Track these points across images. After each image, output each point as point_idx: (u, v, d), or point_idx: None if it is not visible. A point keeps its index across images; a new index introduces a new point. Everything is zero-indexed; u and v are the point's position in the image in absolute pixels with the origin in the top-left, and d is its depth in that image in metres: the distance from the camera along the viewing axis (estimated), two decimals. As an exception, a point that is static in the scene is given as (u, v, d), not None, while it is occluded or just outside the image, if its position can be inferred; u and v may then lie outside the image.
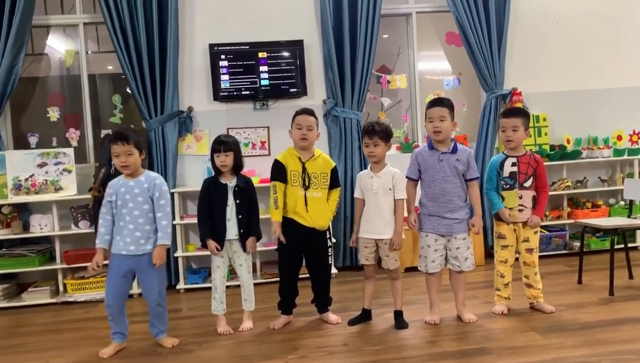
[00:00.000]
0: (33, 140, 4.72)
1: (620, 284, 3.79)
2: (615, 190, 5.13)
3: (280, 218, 3.32)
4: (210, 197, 3.32)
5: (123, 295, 3.12)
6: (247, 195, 3.36)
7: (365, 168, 3.43)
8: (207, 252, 3.39)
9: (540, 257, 3.54)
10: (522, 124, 3.32)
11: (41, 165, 4.37)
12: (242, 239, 3.34)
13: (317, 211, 3.34)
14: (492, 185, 3.42)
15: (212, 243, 3.29)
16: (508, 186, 3.36)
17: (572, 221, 4.81)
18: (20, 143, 4.77)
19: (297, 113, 3.39)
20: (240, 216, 3.31)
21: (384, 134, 3.24)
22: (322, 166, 3.39)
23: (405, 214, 3.30)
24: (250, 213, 3.37)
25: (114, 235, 3.09)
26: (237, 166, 3.35)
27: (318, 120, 3.44)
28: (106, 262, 3.14)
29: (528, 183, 3.35)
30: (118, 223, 3.08)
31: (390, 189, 3.24)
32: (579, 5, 5.19)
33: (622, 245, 4.12)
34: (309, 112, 3.39)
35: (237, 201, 3.32)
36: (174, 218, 4.49)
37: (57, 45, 5.06)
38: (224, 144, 3.30)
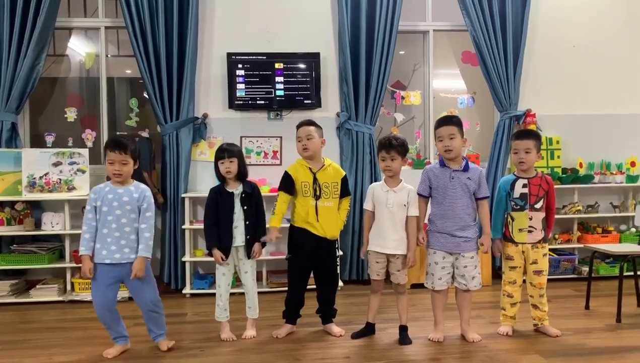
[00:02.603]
0: (49, 139, 4.80)
1: (628, 311, 3.75)
2: (626, 216, 5.09)
3: (275, 223, 3.33)
4: (217, 205, 3.34)
5: (112, 303, 3.05)
6: (254, 201, 3.39)
7: (376, 181, 3.44)
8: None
9: (548, 281, 3.51)
10: (534, 146, 3.32)
11: (56, 164, 4.43)
12: (248, 246, 3.36)
13: (328, 220, 3.36)
14: (501, 205, 3.42)
15: (217, 253, 3.30)
16: (518, 207, 3.35)
17: (582, 245, 4.77)
18: (37, 141, 4.85)
19: (297, 126, 3.43)
20: (247, 222, 3.33)
21: (401, 149, 3.25)
22: (333, 175, 3.42)
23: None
24: (258, 219, 3.39)
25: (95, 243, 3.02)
26: (242, 173, 3.37)
27: (320, 128, 3.45)
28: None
29: (539, 205, 3.34)
30: (101, 231, 3.01)
31: (405, 205, 3.24)
32: (596, 29, 5.19)
33: (632, 272, 4.08)
34: (307, 122, 3.43)
35: (245, 207, 3.34)
36: (184, 223, 4.54)
37: (78, 47, 5.15)
38: (227, 151, 3.32)
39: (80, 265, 4.25)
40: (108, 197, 3.03)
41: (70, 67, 5.20)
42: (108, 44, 4.98)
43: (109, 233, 3.00)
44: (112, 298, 3.05)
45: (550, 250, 4.51)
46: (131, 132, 4.93)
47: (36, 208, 4.57)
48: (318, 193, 3.35)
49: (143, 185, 3.17)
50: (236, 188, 3.36)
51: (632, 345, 3.19)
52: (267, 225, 3.39)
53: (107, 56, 4.95)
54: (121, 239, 3.01)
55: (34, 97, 4.78)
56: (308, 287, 3.46)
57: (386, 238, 3.25)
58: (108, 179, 3.15)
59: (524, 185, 3.35)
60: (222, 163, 3.31)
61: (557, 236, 4.94)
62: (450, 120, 3.27)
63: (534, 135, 3.41)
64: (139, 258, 3.02)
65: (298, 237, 3.38)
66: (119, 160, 3.01)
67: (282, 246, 3.50)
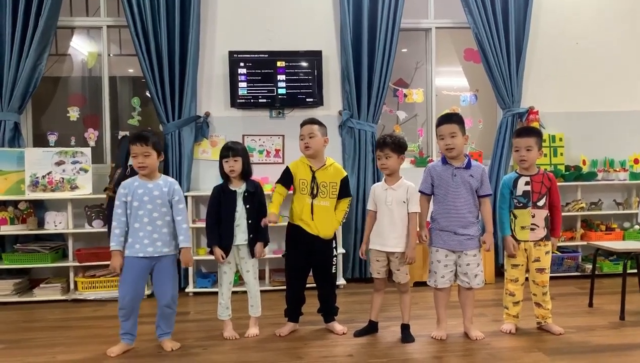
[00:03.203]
0: (52, 138, 4.81)
1: (631, 309, 3.73)
2: (630, 213, 5.07)
3: (273, 209, 3.32)
4: (220, 203, 3.34)
5: (139, 297, 3.13)
6: (257, 199, 3.39)
7: (379, 180, 3.44)
8: (216, 257, 3.41)
9: (552, 278, 3.52)
10: (535, 143, 3.32)
11: (59, 163, 4.44)
12: (251, 245, 3.36)
13: (323, 220, 3.36)
14: (505, 203, 3.41)
15: (218, 251, 3.31)
16: (521, 204, 3.35)
17: (585, 243, 4.75)
18: (40, 141, 4.86)
19: (301, 125, 3.44)
20: (250, 221, 3.34)
21: (395, 146, 3.24)
22: (333, 175, 3.41)
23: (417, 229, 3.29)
24: (260, 218, 3.39)
25: (127, 237, 3.10)
26: (246, 172, 3.38)
27: (324, 126, 3.45)
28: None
29: (541, 203, 3.33)
30: (132, 225, 3.08)
31: (404, 202, 3.24)
32: (599, 27, 5.18)
33: (635, 270, 4.07)
34: (310, 121, 3.43)
35: (247, 206, 3.34)
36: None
37: (80, 47, 5.16)
38: (232, 149, 3.33)
39: (82, 264, 4.35)
40: (138, 191, 3.07)
41: (72, 66, 5.21)
42: (110, 43, 4.99)
43: (140, 228, 3.06)
44: (141, 290, 3.15)
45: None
46: (133, 131, 4.93)
47: (39, 207, 4.58)
48: (315, 192, 3.35)
49: (171, 179, 3.22)
50: (239, 187, 3.36)
51: (635, 343, 3.18)
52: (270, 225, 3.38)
53: (109, 55, 4.95)
54: (154, 233, 3.07)
55: (37, 97, 4.79)
56: (309, 285, 3.46)
57: (385, 237, 3.25)
58: (132, 173, 3.16)
59: (527, 183, 3.34)
60: (227, 161, 3.31)
61: (560, 233, 4.92)
62: (451, 118, 3.27)
63: (535, 133, 3.40)
64: (185, 250, 3.13)
65: (293, 234, 3.40)
66: (141, 152, 3.05)
67: (284, 244, 3.49)
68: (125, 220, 3.08)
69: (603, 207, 5.08)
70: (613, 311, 3.72)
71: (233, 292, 3.46)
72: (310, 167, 3.38)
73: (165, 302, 3.15)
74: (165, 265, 3.12)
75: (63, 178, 4.44)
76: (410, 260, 3.23)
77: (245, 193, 3.35)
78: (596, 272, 4.05)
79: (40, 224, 4.51)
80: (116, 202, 3.10)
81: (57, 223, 4.42)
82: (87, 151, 4.52)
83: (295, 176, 3.38)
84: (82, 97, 5.17)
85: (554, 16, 5.12)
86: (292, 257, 3.40)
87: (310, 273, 3.48)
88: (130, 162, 4.21)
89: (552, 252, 3.47)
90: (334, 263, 3.48)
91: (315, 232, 3.34)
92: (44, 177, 4.41)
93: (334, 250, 3.48)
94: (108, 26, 4.90)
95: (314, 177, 3.36)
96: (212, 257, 3.40)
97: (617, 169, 5.01)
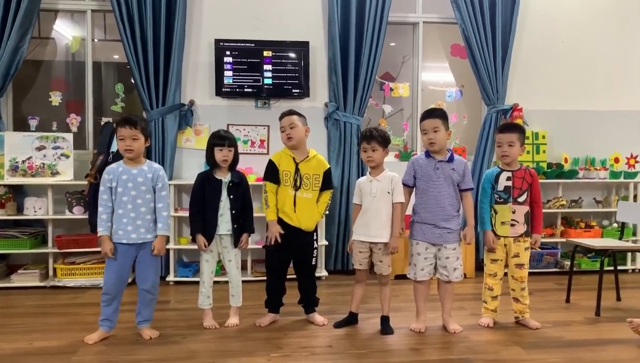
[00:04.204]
0: (33, 123, 4.73)
1: (607, 305, 3.80)
2: (609, 212, 5.15)
3: (274, 217, 3.34)
4: (204, 191, 3.33)
5: (124, 283, 3.13)
6: (242, 191, 3.38)
7: (363, 173, 3.46)
8: (198, 246, 3.40)
9: (531, 274, 3.56)
10: (517, 139, 3.34)
11: (39, 149, 4.38)
12: (235, 235, 3.35)
13: (305, 212, 3.35)
14: (486, 198, 3.43)
15: (201, 239, 3.29)
16: (502, 200, 3.38)
17: (565, 240, 4.82)
18: (20, 125, 4.77)
19: (279, 118, 3.43)
20: (233, 211, 3.32)
21: (382, 140, 3.26)
22: (315, 167, 3.41)
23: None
24: (244, 209, 3.38)
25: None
26: (234, 162, 3.37)
27: (303, 116, 3.45)
28: (98, 249, 3.13)
29: (522, 199, 3.37)
30: (116, 211, 3.06)
31: (388, 193, 3.26)
32: (584, 26, 5.22)
33: (612, 267, 4.13)
34: (288, 112, 3.42)
35: (231, 196, 3.33)
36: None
37: (64, 31, 5.07)
38: (228, 139, 3.32)
39: (62, 250, 4.30)
40: (122, 178, 3.05)
41: (56, 50, 5.12)
42: (94, 28, 4.91)
43: (124, 214, 3.04)
44: (126, 276, 3.13)
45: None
46: (116, 117, 4.87)
47: (19, 192, 4.51)
48: (298, 184, 3.35)
49: (156, 165, 3.20)
50: (225, 177, 3.34)
51: (609, 338, 3.24)
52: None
53: (93, 40, 4.88)
54: (137, 219, 3.05)
55: (18, 80, 4.71)
56: (290, 276, 3.46)
57: (369, 227, 3.26)
58: (117, 157, 3.13)
59: (508, 178, 3.37)
60: (221, 150, 3.29)
61: (542, 230, 4.97)
62: (434, 113, 3.28)
63: (518, 129, 3.43)
64: (160, 237, 3.11)
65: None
66: (129, 135, 3.02)
67: (270, 237, 3.49)
68: (112, 205, 3.06)
69: (583, 204, 5.14)
70: (589, 307, 3.78)
71: (214, 282, 3.45)
72: (294, 158, 3.37)
73: (145, 287, 3.14)
74: (149, 252, 3.10)
75: (44, 163, 4.38)
76: (394, 249, 3.25)
77: (230, 184, 3.34)
78: (574, 269, 4.11)
79: (20, 210, 4.45)
80: (101, 188, 3.08)
81: (36, 209, 4.36)
82: (69, 137, 4.46)
83: (279, 167, 3.37)
84: (65, 81, 5.09)
85: (540, 15, 5.15)
86: (273, 248, 3.39)
87: (291, 265, 3.48)
88: (113, 148, 4.19)
89: (535, 249, 3.50)
90: (314, 255, 3.48)
91: (297, 224, 3.34)
92: (24, 161, 4.35)
93: (315, 242, 3.48)
94: (92, 10, 4.82)
95: (297, 169, 3.35)
96: (193, 247, 3.40)
97: (598, 168, 5.07)
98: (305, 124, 3.42)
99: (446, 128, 3.25)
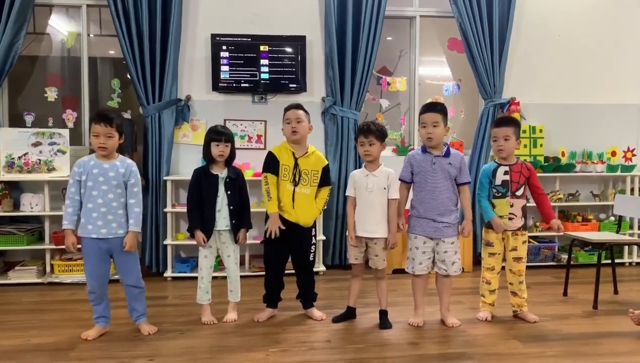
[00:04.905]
0: (29, 118, 4.71)
1: (604, 299, 3.81)
2: (606, 205, 5.15)
3: (275, 209, 3.31)
4: (201, 187, 3.32)
5: (104, 277, 3.08)
6: (238, 186, 3.37)
7: (360, 167, 3.44)
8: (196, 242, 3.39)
9: (528, 268, 3.56)
10: (513, 133, 3.34)
11: (35, 145, 4.36)
12: (233, 230, 3.35)
13: (303, 208, 3.34)
14: (484, 192, 3.43)
15: (199, 235, 3.28)
16: (500, 194, 3.38)
17: (562, 233, 4.81)
18: (16, 121, 4.76)
19: (286, 109, 3.41)
20: (231, 207, 3.32)
21: (380, 134, 3.25)
22: (314, 163, 3.40)
23: (395, 216, 3.31)
24: (242, 205, 3.37)
25: (80, 217, 3.02)
26: (231, 157, 3.36)
27: (309, 114, 3.44)
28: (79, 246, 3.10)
29: (520, 192, 3.37)
30: (85, 205, 2.99)
31: (385, 189, 3.25)
32: (581, 20, 5.21)
33: (609, 260, 4.14)
34: (296, 105, 3.41)
35: (228, 192, 3.32)
36: (166, 206, 4.50)
37: (60, 26, 5.04)
38: (225, 134, 3.31)
39: (59, 247, 4.29)
40: (93, 171, 2.99)
41: (51, 45, 5.09)
42: (90, 23, 4.88)
43: (94, 208, 2.98)
44: (104, 272, 3.07)
45: (530, 237, 4.57)
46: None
47: (15, 189, 4.50)
48: (297, 179, 3.33)
49: (129, 160, 3.14)
50: (221, 172, 3.33)
51: (606, 331, 3.24)
52: (268, 212, 3.34)
53: (89, 35, 4.85)
54: (108, 214, 3.00)
55: (13, 76, 4.68)
56: (289, 271, 3.46)
57: (366, 222, 3.26)
58: (92, 151, 3.10)
59: (505, 173, 3.37)
60: (218, 146, 3.28)
61: (538, 223, 4.99)
62: (435, 108, 3.27)
63: (513, 122, 3.43)
64: (131, 233, 3.05)
65: None
66: (104, 133, 2.97)
67: (270, 230, 3.47)
68: (79, 199, 3.01)
69: (580, 198, 5.15)
70: (586, 300, 3.79)
71: (212, 278, 3.44)
72: (293, 153, 3.36)
73: (131, 282, 3.12)
74: (122, 247, 3.05)
75: (40, 159, 4.36)
76: (392, 245, 3.26)
77: (227, 179, 3.33)
78: (572, 262, 4.13)
79: (16, 206, 4.44)
80: (70, 181, 3.03)
81: (33, 205, 4.34)
82: (65, 132, 4.45)
83: (279, 161, 3.35)
84: (61, 77, 5.07)
85: (537, 8, 5.14)
86: (271, 243, 3.37)
87: (290, 260, 3.48)
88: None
89: (560, 233, 3.54)
90: (312, 250, 3.47)
91: (295, 220, 3.33)
92: (20, 158, 4.33)
93: (313, 237, 3.48)
94: (88, 5, 4.79)
95: (296, 164, 3.34)
96: (191, 242, 3.39)
97: (595, 161, 5.08)
98: (309, 122, 3.42)
99: (445, 124, 3.24)
